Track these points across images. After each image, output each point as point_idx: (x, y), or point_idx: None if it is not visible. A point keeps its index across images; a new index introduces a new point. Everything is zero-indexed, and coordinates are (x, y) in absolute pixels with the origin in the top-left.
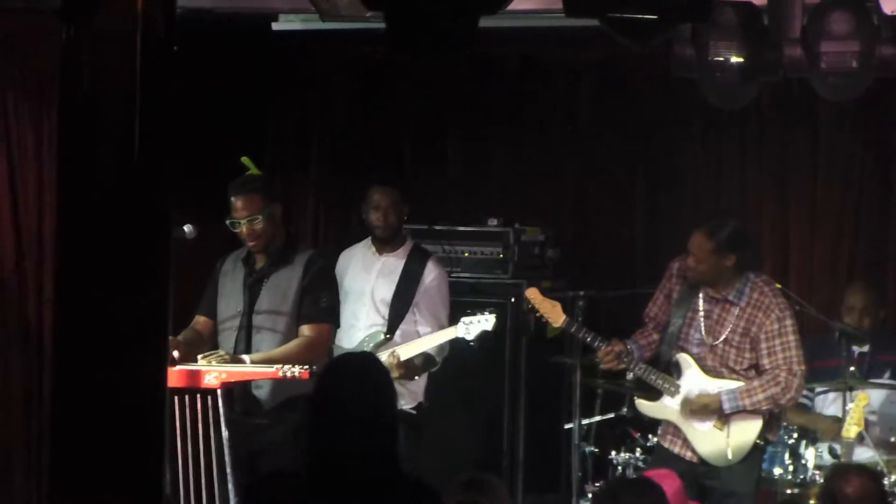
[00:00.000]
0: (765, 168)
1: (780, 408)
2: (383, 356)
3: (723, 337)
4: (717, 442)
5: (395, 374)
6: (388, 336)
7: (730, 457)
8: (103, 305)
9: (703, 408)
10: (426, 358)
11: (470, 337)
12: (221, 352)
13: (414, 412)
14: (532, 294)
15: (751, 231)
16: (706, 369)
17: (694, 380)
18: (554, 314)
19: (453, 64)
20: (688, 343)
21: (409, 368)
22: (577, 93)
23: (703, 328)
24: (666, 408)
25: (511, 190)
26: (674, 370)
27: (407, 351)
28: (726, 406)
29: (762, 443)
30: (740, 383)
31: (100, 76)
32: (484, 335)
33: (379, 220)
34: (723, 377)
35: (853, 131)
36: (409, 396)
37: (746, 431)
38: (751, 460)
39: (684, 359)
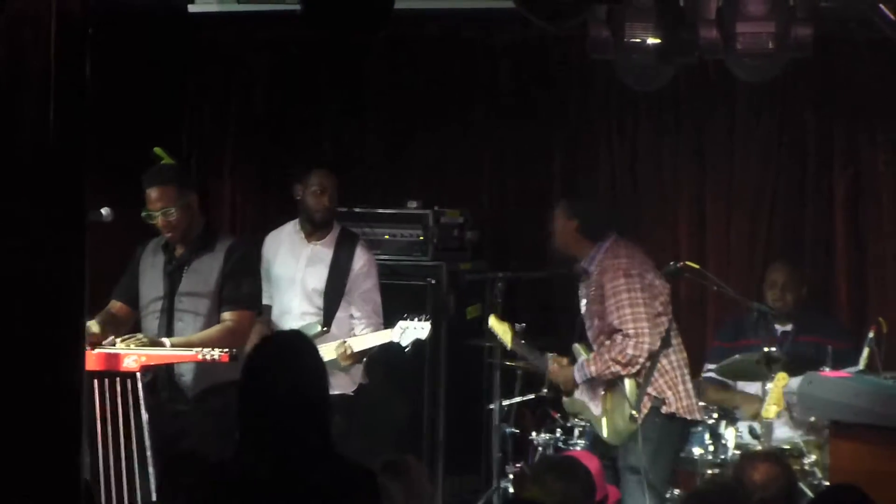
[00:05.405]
0: (682, 150)
1: (624, 370)
2: (332, 347)
3: (585, 310)
4: (605, 422)
5: (345, 363)
6: (325, 329)
7: (605, 435)
8: (18, 289)
9: (564, 383)
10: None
11: (404, 343)
12: (140, 335)
13: (353, 395)
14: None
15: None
16: (590, 349)
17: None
18: (506, 337)
19: (371, 45)
20: (585, 330)
21: (359, 355)
22: (495, 75)
23: (584, 311)
24: (576, 401)
25: (430, 172)
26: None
27: (358, 343)
28: (577, 376)
29: (636, 414)
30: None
31: (14, 58)
32: (417, 343)
33: (322, 203)
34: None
35: (769, 112)
36: (349, 380)
37: (622, 409)
38: (646, 438)
39: (576, 348)
